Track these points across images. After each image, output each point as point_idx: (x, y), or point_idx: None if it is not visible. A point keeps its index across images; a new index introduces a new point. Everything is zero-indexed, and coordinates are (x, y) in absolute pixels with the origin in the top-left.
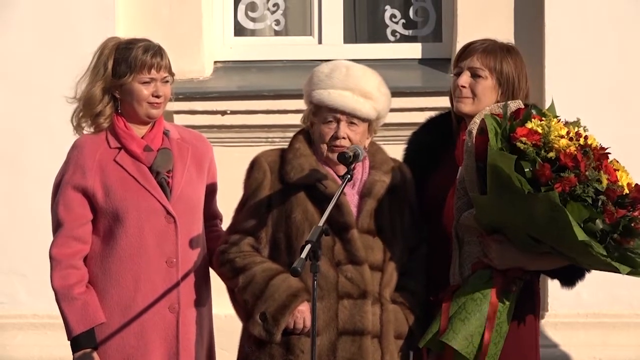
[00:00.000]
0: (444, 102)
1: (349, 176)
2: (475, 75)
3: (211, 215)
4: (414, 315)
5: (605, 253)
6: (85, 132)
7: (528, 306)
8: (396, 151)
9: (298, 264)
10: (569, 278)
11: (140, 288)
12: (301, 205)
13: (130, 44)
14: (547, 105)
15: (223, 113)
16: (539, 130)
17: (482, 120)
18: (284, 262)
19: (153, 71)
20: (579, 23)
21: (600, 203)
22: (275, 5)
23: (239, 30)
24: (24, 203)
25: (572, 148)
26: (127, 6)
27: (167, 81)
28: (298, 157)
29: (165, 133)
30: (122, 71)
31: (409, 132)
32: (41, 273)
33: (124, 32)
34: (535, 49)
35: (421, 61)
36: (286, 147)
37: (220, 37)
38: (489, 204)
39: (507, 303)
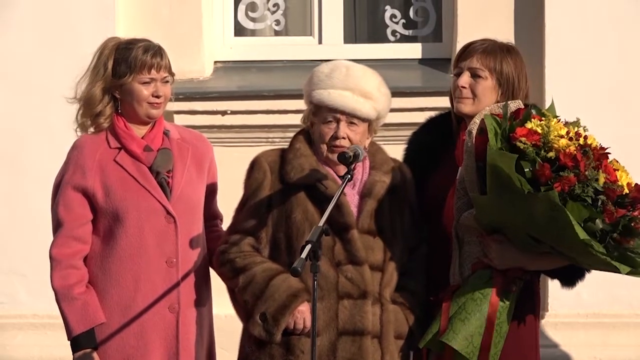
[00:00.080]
0: (444, 102)
1: (349, 176)
2: (475, 75)
3: (211, 215)
4: (414, 316)
5: (605, 252)
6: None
7: (528, 306)
8: (396, 151)
9: (298, 264)
10: (569, 278)
11: (140, 288)
12: (301, 205)
13: (130, 44)
14: (547, 105)
15: (223, 113)
16: (539, 130)
17: (482, 120)
18: (284, 262)
19: (153, 71)
20: (579, 23)
21: (600, 203)
22: (276, 5)
23: (239, 30)
24: (24, 203)
25: (572, 148)
26: (127, 6)
27: (167, 81)
28: (298, 157)
29: (166, 133)
30: (122, 71)
31: (409, 132)
32: (41, 273)
33: (124, 32)
34: (535, 49)
35: (421, 61)
36: (286, 147)
37: (220, 37)
38: (488, 204)
39: (507, 303)
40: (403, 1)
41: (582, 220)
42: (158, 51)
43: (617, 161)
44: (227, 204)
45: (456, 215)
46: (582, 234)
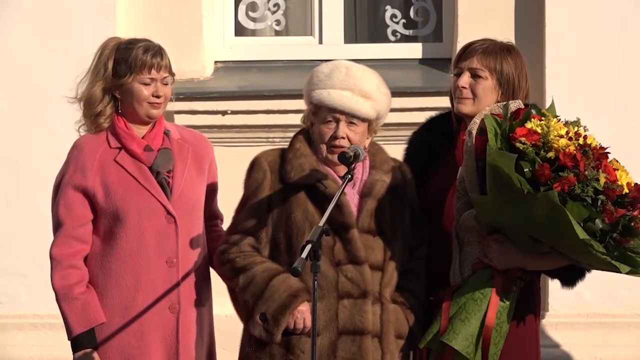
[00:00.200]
0: (444, 102)
1: (349, 176)
2: (475, 75)
3: (212, 215)
4: (414, 315)
5: (605, 252)
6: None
7: (528, 306)
8: (396, 151)
9: (298, 264)
10: (570, 278)
11: (140, 288)
12: (301, 205)
13: (131, 44)
14: (548, 105)
15: (223, 113)
16: (538, 130)
17: (482, 120)
18: (284, 262)
19: (153, 71)
20: (580, 23)
21: (599, 202)
22: (276, 5)
23: (240, 30)
24: (24, 203)
25: (572, 148)
26: (128, 6)
27: (167, 81)
28: (298, 157)
29: (166, 133)
30: (123, 71)
31: (409, 132)
32: (41, 273)
33: (124, 32)
34: (535, 49)
35: (421, 61)
36: (286, 147)
37: (220, 37)
38: (488, 204)
39: (508, 303)
40: (403, 1)
41: (581, 220)
42: (158, 51)
43: (617, 161)
44: (228, 204)
45: (456, 215)
46: (582, 234)
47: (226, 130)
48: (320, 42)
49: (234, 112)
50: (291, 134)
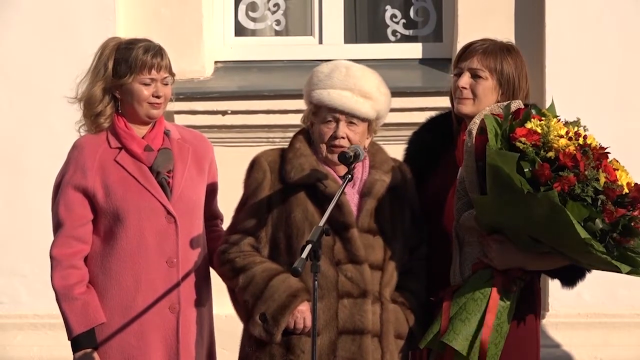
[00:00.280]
0: (444, 102)
1: (349, 176)
2: (475, 76)
3: (212, 215)
4: (414, 316)
5: (605, 252)
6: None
7: (529, 306)
8: (396, 151)
9: (299, 264)
10: (570, 278)
11: (140, 288)
12: (301, 204)
13: (131, 44)
14: (548, 105)
15: (223, 113)
16: (538, 130)
17: (482, 120)
18: (284, 262)
19: (153, 71)
20: (580, 23)
21: (599, 202)
22: (276, 5)
23: (240, 30)
24: (24, 203)
25: (572, 147)
26: (128, 6)
27: (168, 82)
28: (298, 156)
29: (166, 133)
30: (123, 71)
31: (409, 132)
32: (42, 273)
33: (125, 33)
34: (535, 49)
35: (421, 61)
36: (286, 147)
37: (220, 37)
38: (488, 204)
39: (508, 303)
40: (403, 1)
41: (582, 220)
42: (158, 51)
43: (617, 161)
44: (228, 204)
45: (456, 215)
46: (583, 233)
47: (226, 130)
48: (320, 42)
49: (234, 112)
50: (291, 134)
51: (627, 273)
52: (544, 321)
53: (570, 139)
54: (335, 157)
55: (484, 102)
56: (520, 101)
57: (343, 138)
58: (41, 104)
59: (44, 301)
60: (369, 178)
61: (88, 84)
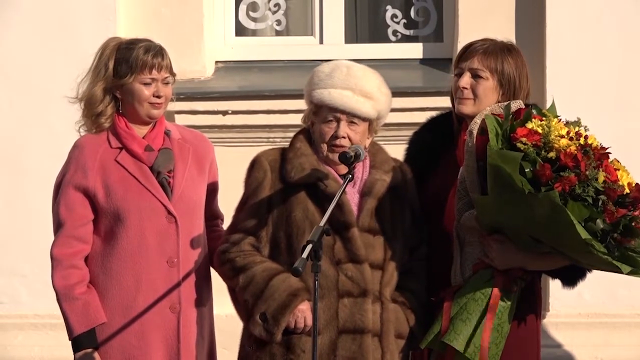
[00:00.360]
0: (444, 102)
1: (350, 176)
2: (476, 76)
3: (212, 215)
4: (415, 315)
5: (606, 252)
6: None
7: (529, 306)
8: (397, 151)
9: (299, 264)
10: (570, 278)
11: (141, 288)
12: (301, 204)
13: (132, 44)
14: (548, 105)
15: (224, 113)
16: (539, 130)
17: (483, 120)
18: (284, 261)
19: (154, 71)
20: (580, 23)
21: (600, 203)
22: (277, 5)
23: (240, 30)
24: (24, 203)
25: (573, 148)
26: (128, 6)
27: (168, 82)
28: (299, 156)
29: (167, 133)
30: (123, 71)
31: (409, 132)
32: (42, 273)
33: (125, 32)
34: (536, 49)
35: (422, 61)
36: (287, 146)
37: (221, 37)
38: (489, 205)
39: (508, 303)
40: (404, 1)
41: (582, 220)
42: (159, 51)
43: (618, 161)
44: (228, 204)
45: (457, 215)
46: (584, 234)
47: (227, 130)
48: (321, 42)
49: (234, 112)
50: (292, 134)
51: (628, 273)
52: (544, 321)
53: (571, 139)
54: (336, 157)
55: (485, 102)
56: (520, 101)
57: (344, 138)
58: (41, 104)
59: (44, 301)
60: (369, 178)
61: (89, 84)
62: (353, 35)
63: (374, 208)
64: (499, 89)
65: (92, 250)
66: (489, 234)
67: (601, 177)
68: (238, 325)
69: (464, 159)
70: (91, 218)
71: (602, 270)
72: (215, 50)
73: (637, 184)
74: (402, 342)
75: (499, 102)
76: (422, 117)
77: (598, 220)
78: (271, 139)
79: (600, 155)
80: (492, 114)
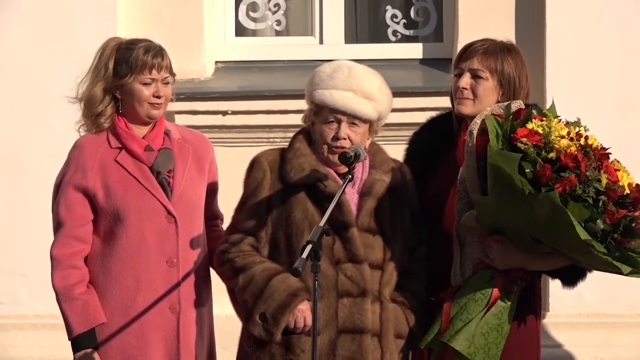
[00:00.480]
0: (444, 102)
1: (350, 176)
2: (476, 76)
3: (212, 215)
4: (414, 316)
5: (606, 253)
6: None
7: (529, 306)
8: (397, 151)
9: (299, 264)
10: (571, 278)
11: (141, 288)
12: (301, 204)
13: (132, 44)
14: (548, 105)
15: (224, 113)
16: (540, 130)
17: (483, 121)
18: (284, 262)
19: (154, 72)
20: (580, 23)
21: (600, 203)
22: (276, 5)
23: (240, 31)
24: (24, 203)
25: (573, 148)
26: (128, 6)
27: (168, 82)
28: (298, 156)
29: (166, 133)
30: (123, 71)
31: (409, 132)
32: (42, 273)
33: (125, 33)
34: (536, 49)
35: (422, 61)
36: (286, 146)
37: (221, 37)
38: (489, 205)
39: (508, 303)
40: (404, 1)
41: (583, 220)
42: (159, 51)
43: (618, 161)
44: (228, 204)
45: (457, 215)
46: (584, 234)
47: (227, 130)
48: (321, 42)
49: (234, 113)
50: (292, 134)
51: (628, 274)
52: (544, 321)
53: (571, 139)
54: (336, 158)
55: (485, 103)
56: (520, 101)
57: (345, 139)
58: (41, 104)
59: (44, 301)
60: (368, 178)
61: (88, 84)
62: (353, 35)
63: (373, 208)
64: (498, 89)
65: (92, 250)
66: (489, 234)
67: (604, 179)
68: (237, 325)
69: (464, 159)
70: (91, 218)
71: (602, 270)
72: (215, 50)
73: (637, 184)
74: (401, 342)
75: (498, 102)
76: (422, 118)
77: (598, 221)
78: (271, 139)
79: (600, 156)
80: (492, 114)
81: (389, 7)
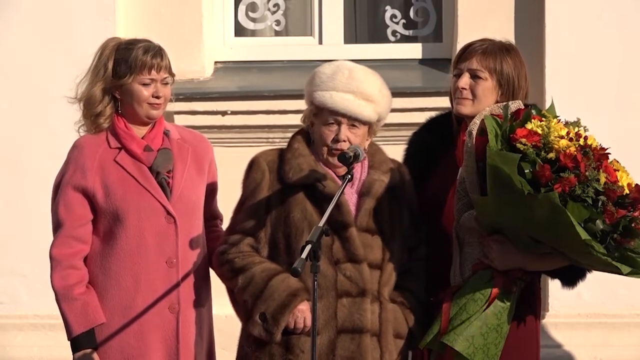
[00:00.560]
0: (444, 102)
1: (349, 176)
2: (475, 76)
3: (211, 215)
4: (414, 316)
5: (606, 253)
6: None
7: (529, 306)
8: (396, 151)
9: (298, 265)
10: (570, 278)
11: (140, 288)
12: (300, 204)
13: (131, 44)
14: (548, 104)
15: (223, 113)
16: (539, 131)
17: (483, 121)
18: (283, 262)
19: (153, 72)
20: (580, 23)
21: (600, 203)
22: (276, 5)
23: (240, 31)
24: (24, 203)
25: (572, 148)
26: (127, 6)
27: (167, 82)
28: (297, 157)
29: (166, 133)
30: (122, 72)
31: (409, 133)
32: (42, 273)
33: (124, 33)
34: (535, 49)
35: (421, 61)
36: (285, 147)
37: (220, 38)
38: (489, 205)
39: (508, 304)
40: (403, 1)
41: (582, 221)
42: (158, 52)
43: (618, 161)
44: (227, 204)
45: (457, 216)
46: (584, 234)
47: (226, 130)
48: (320, 42)
49: (233, 113)
50: (291, 134)
51: (627, 274)
52: (544, 321)
53: (570, 139)
54: (335, 160)
55: (484, 103)
56: (520, 101)
57: (344, 141)
58: (41, 104)
59: (44, 301)
60: (367, 178)
61: (88, 84)
62: (352, 35)
63: (372, 208)
64: (498, 89)
65: (91, 251)
66: (489, 234)
67: (602, 178)
68: (237, 325)
69: (463, 160)
70: (90, 218)
71: (601, 271)
72: (214, 50)
73: (636, 184)
74: (400, 342)
75: (497, 102)
76: (421, 118)
77: (598, 221)
78: (270, 140)
79: (599, 156)
80: (491, 114)
81: (388, 7)
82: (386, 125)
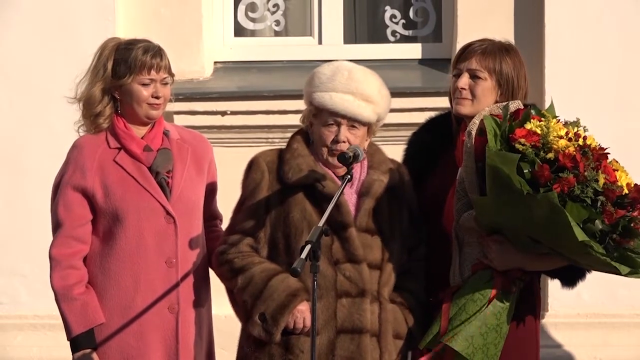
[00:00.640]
0: (443, 102)
1: (349, 176)
2: (474, 76)
3: (211, 215)
4: (413, 316)
5: (605, 253)
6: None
7: (528, 306)
8: (396, 151)
9: (298, 265)
10: (570, 278)
11: (139, 288)
12: (299, 204)
13: (130, 44)
14: (547, 105)
15: (223, 113)
16: (538, 131)
17: (482, 121)
18: (283, 262)
19: (153, 72)
20: (579, 23)
21: (599, 203)
22: (275, 5)
23: (239, 31)
24: (24, 203)
25: (571, 148)
26: (127, 6)
27: (167, 82)
28: (296, 157)
29: (165, 133)
30: (122, 72)
31: (408, 133)
32: (41, 273)
33: (124, 33)
34: (535, 49)
35: (421, 61)
36: (284, 147)
37: (220, 38)
38: (488, 205)
39: (507, 304)
40: (403, 1)
41: (581, 221)
42: (158, 52)
43: (617, 161)
44: (227, 204)
45: (456, 216)
46: (581, 235)
47: (226, 130)
48: (320, 42)
49: (233, 113)
50: (290, 135)
51: (627, 274)
52: (543, 321)
53: (570, 139)
54: (335, 160)
55: (483, 103)
56: (519, 101)
57: (344, 142)
58: (41, 104)
59: (44, 301)
60: (367, 178)
61: (87, 84)
62: (352, 35)
63: (371, 208)
64: (497, 89)
65: (91, 251)
66: (488, 234)
67: (601, 179)
68: (237, 325)
69: (462, 160)
70: (90, 218)
71: (600, 271)
72: (214, 50)
73: (636, 184)
74: (400, 342)
75: (497, 102)
76: (421, 118)
77: (597, 221)
78: (270, 140)
79: (599, 156)
80: (490, 114)
81: (388, 8)
82: (386, 125)
